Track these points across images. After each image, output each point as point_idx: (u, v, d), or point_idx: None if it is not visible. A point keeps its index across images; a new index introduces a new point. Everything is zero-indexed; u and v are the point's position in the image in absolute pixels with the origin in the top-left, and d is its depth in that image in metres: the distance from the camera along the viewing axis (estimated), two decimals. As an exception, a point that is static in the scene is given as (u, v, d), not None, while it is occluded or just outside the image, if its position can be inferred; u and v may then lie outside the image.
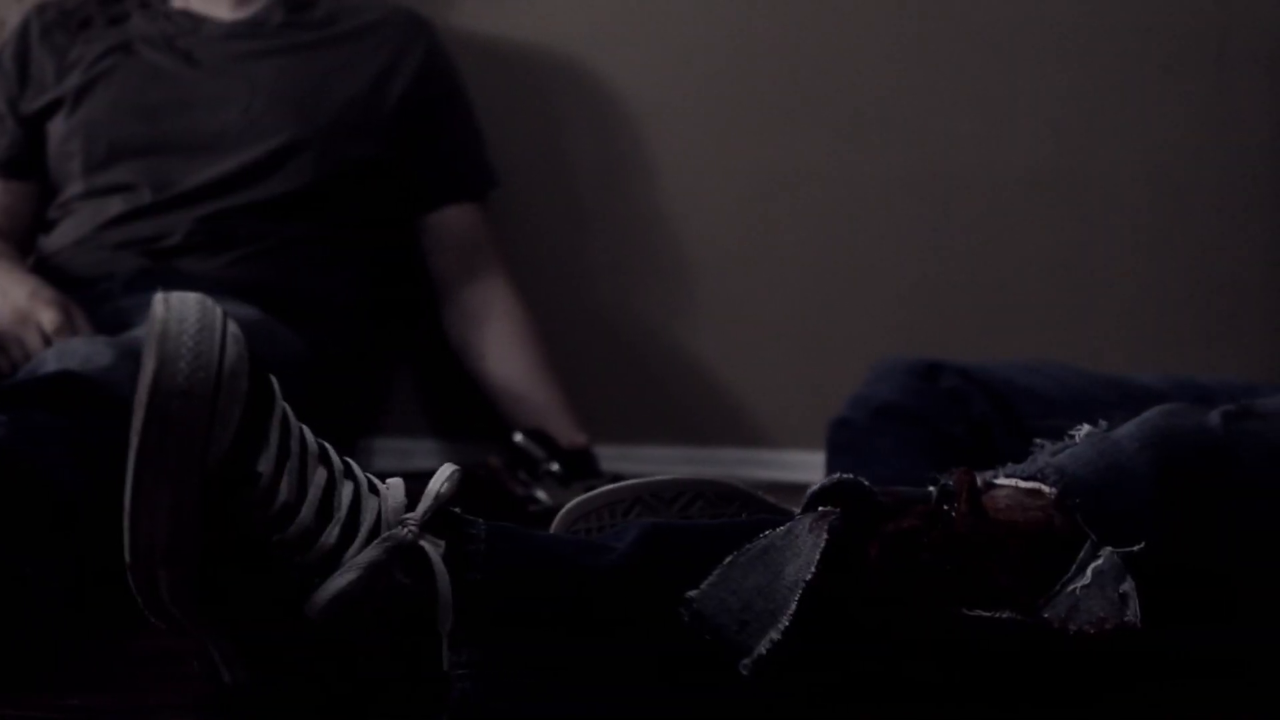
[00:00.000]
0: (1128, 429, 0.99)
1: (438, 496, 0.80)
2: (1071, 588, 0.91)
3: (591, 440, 1.95)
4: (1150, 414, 1.00)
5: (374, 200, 1.83)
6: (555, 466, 1.72)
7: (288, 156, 1.74)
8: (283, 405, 0.80)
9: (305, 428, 0.78)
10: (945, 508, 0.93)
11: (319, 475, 0.77)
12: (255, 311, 1.62)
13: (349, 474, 0.79)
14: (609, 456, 1.99)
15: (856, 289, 2.00)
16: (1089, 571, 0.91)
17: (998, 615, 0.86)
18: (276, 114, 1.75)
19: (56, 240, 1.74)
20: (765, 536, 0.88)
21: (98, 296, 1.60)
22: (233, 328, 0.76)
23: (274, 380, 0.80)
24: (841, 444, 1.40)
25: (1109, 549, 0.92)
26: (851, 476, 0.93)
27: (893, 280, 2.00)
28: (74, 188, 1.75)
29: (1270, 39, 1.97)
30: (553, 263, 2.02)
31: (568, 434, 1.80)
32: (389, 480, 0.81)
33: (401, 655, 0.79)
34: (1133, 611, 0.89)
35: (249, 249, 1.71)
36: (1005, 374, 1.40)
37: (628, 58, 2.00)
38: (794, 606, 0.84)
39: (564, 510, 1.07)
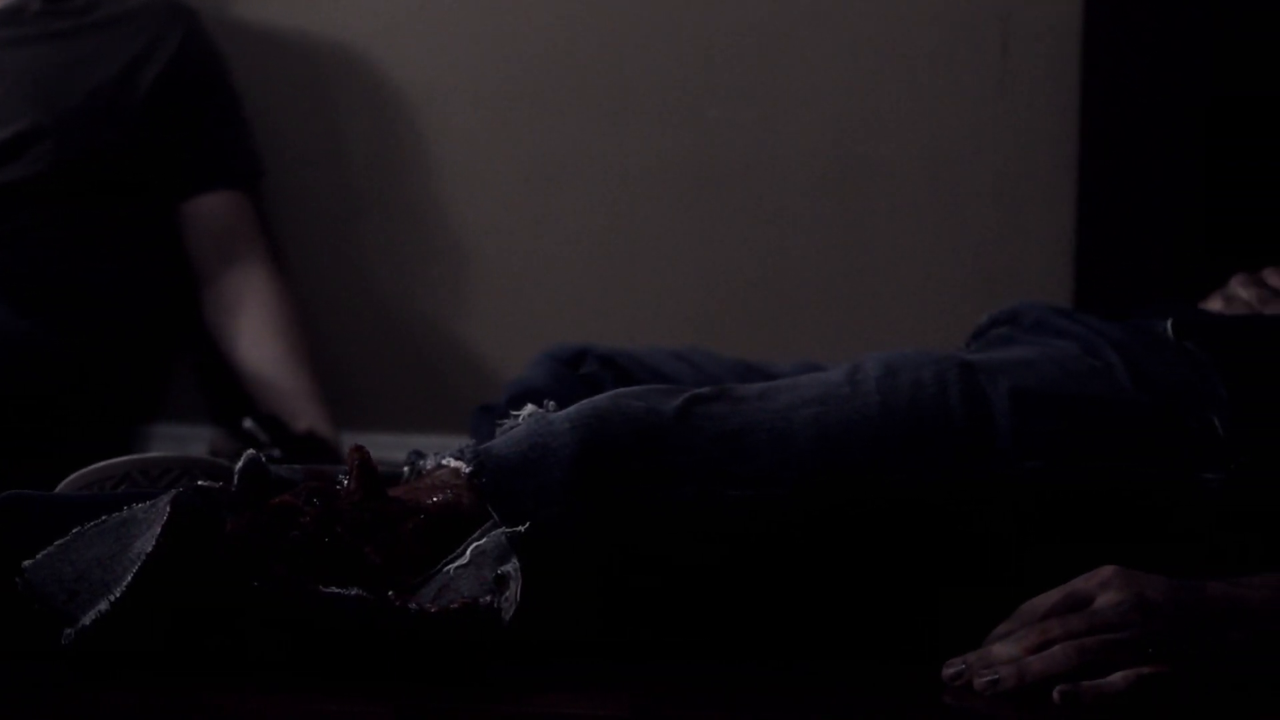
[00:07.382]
0: (568, 410, 0.97)
1: None
2: (449, 567, 0.90)
3: (365, 428, 1.96)
4: (601, 395, 0.99)
5: (127, 187, 1.84)
6: (276, 452, 1.72)
7: (27, 143, 1.76)
8: None
9: None
10: (338, 486, 0.93)
11: None
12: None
13: None
14: (386, 445, 1.97)
15: (633, 277, 1.99)
16: (469, 552, 0.90)
17: (346, 593, 0.86)
18: (17, 101, 1.77)
19: None
20: (129, 509, 0.88)
21: None
22: None
23: None
24: (474, 428, 1.41)
25: (499, 530, 0.91)
26: (253, 454, 0.93)
27: (671, 268, 1.98)
28: None
29: (1053, 30, 1.93)
30: (329, 251, 2.02)
31: (305, 421, 1.80)
32: None
33: None
34: (509, 594, 0.88)
35: (-18, 234, 1.74)
36: (649, 361, 1.39)
37: (403, 47, 2.00)
38: (130, 579, 0.84)
39: (59, 487, 1.08)
